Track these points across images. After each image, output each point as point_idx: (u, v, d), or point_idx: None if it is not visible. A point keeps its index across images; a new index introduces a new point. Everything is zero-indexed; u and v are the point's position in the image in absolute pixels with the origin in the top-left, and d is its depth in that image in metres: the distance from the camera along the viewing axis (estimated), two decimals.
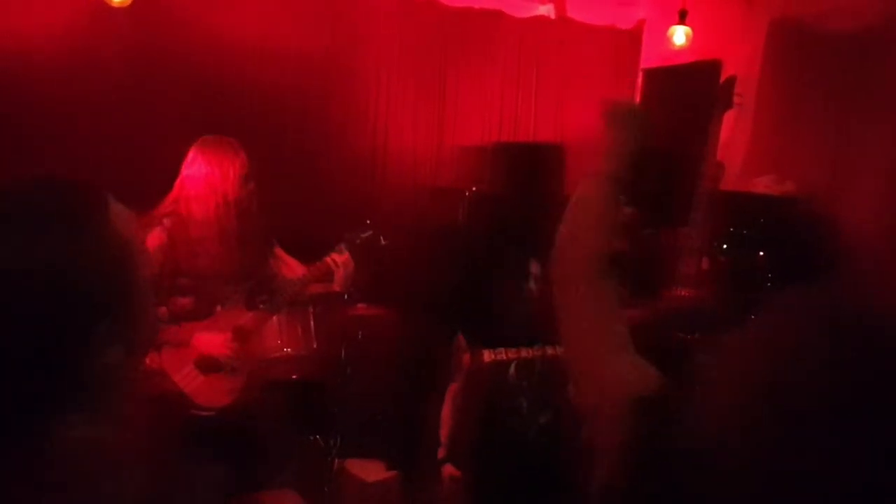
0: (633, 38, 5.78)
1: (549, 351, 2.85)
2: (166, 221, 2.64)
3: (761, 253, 3.41)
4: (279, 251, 2.97)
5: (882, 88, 3.97)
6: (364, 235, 3.00)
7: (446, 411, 2.96)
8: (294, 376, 3.82)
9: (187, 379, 2.65)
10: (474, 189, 4.48)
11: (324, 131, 4.90)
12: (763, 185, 4.14)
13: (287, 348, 3.72)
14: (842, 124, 4.19)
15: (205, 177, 2.66)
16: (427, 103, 5.29)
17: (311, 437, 4.00)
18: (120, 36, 4.22)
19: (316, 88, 4.85)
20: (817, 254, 2.95)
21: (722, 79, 5.05)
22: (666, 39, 4.99)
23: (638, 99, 5.80)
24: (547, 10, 5.71)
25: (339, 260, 2.90)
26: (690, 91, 5.28)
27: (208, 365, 2.68)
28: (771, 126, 4.61)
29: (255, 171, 2.78)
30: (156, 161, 2.94)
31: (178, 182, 2.70)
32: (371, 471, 3.91)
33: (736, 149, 4.86)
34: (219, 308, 2.74)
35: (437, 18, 5.22)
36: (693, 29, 4.95)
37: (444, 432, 2.93)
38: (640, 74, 5.78)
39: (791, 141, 4.44)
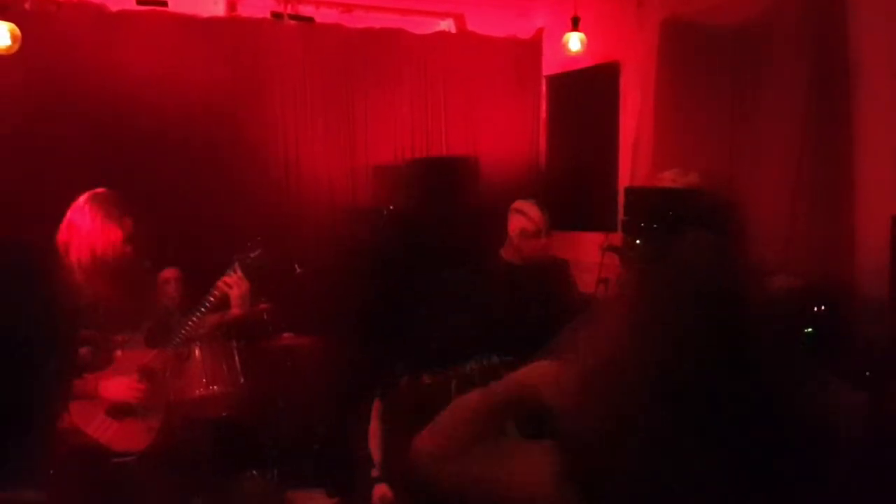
0: (533, 47, 5.91)
1: (485, 363, 2.86)
2: None
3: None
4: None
5: (768, 75, 4.17)
6: (253, 255, 2.99)
7: (373, 428, 2.94)
8: (224, 413, 3.74)
9: (101, 429, 2.58)
10: (391, 208, 4.48)
11: (235, 162, 4.83)
12: (668, 179, 4.26)
13: (213, 386, 3.64)
14: (735, 113, 4.37)
15: (87, 231, 2.66)
16: (337, 125, 5.27)
17: (250, 473, 3.92)
18: (10, 82, 4.09)
19: (223, 118, 4.79)
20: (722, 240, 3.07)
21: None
22: (562, 46, 5.13)
23: (545, 105, 5.94)
24: (447, 25, 5.79)
25: (231, 282, 2.89)
26: (592, 93, 5.44)
27: (120, 411, 2.62)
28: (672, 122, 4.77)
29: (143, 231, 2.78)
30: (59, 207, 2.86)
31: (63, 226, 2.68)
32: (312, 500, 3.89)
33: (643, 147, 5.02)
34: (119, 353, 2.69)
35: (338, 40, 5.23)
36: (589, 34, 5.10)
37: (373, 450, 2.91)
38: (544, 81, 5.92)
39: (692, 134, 4.61)
